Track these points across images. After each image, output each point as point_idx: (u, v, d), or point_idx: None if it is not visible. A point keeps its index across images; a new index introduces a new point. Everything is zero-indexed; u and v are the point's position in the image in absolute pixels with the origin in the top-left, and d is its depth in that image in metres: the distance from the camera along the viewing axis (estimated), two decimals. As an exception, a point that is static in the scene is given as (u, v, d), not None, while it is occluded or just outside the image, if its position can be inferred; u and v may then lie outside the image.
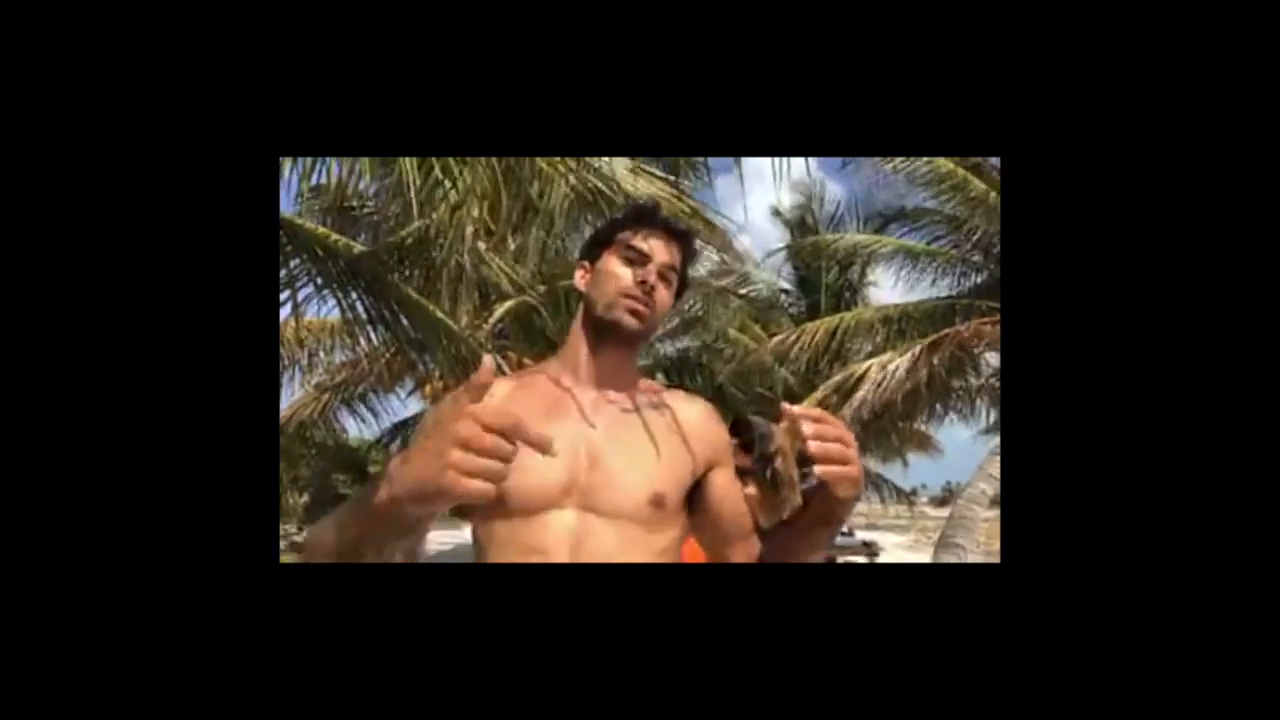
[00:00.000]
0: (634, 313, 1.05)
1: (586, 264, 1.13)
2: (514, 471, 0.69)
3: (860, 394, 7.52)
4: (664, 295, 1.08)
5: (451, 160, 2.86)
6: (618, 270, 1.08)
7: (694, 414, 1.12)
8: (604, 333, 1.08)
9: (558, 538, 0.95)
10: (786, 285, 13.15)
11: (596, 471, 0.99)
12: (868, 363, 7.92)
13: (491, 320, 7.45)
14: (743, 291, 12.11)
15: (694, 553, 2.60)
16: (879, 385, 7.46)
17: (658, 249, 1.08)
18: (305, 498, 12.18)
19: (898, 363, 7.54)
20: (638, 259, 1.08)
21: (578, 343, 1.10)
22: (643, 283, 1.06)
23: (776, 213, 12.87)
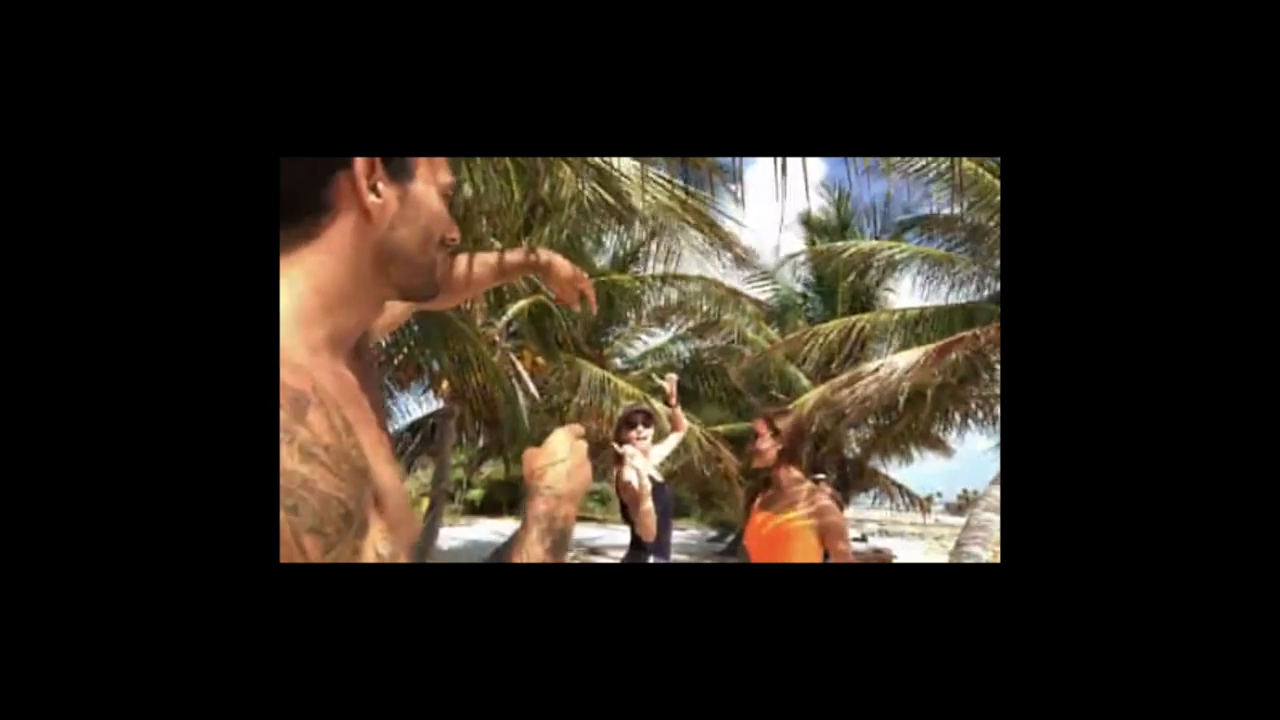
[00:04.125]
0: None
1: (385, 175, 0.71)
2: (399, 505, 0.70)
3: (864, 385, 7.49)
4: None
5: (462, 161, 2.86)
6: (438, 208, 0.74)
7: None
8: (401, 291, 0.75)
9: None
10: (802, 288, 13.14)
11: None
12: (877, 362, 7.88)
13: (504, 320, 7.49)
14: (756, 294, 12.13)
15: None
16: (885, 382, 7.43)
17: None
18: None
19: (908, 362, 7.51)
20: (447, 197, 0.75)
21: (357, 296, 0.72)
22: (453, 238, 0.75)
23: (805, 220, 12.89)
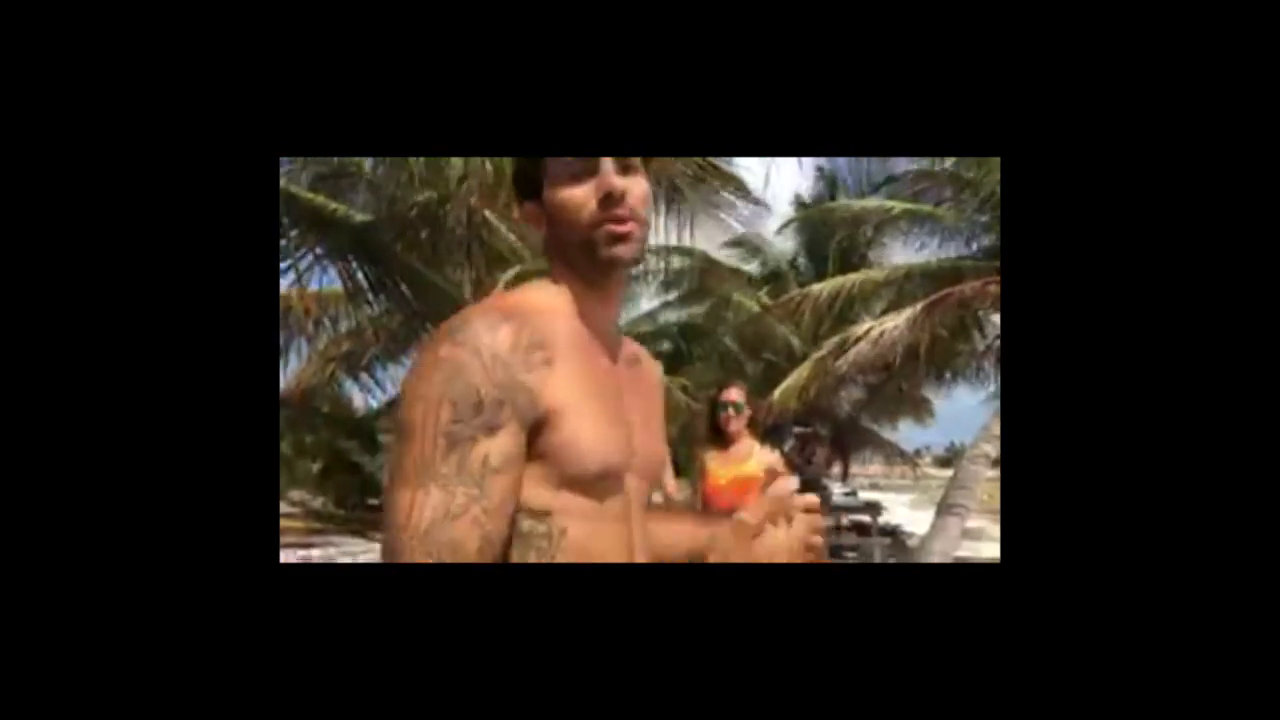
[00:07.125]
0: (619, 238, 0.84)
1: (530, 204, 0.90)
2: (590, 431, 0.78)
3: (858, 350, 7.49)
4: (640, 191, 0.85)
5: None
6: (575, 195, 0.84)
7: (660, 374, 1.04)
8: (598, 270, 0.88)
9: (630, 504, 0.88)
10: (793, 253, 13.10)
11: (643, 430, 0.91)
12: (868, 324, 7.88)
13: (496, 289, 7.43)
14: (749, 266, 12.07)
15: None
16: (876, 344, 7.42)
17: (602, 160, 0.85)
18: (318, 465, 12.28)
19: (897, 322, 7.49)
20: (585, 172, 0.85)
21: (568, 284, 0.89)
22: (609, 197, 0.83)
23: (802, 203, 12.81)
